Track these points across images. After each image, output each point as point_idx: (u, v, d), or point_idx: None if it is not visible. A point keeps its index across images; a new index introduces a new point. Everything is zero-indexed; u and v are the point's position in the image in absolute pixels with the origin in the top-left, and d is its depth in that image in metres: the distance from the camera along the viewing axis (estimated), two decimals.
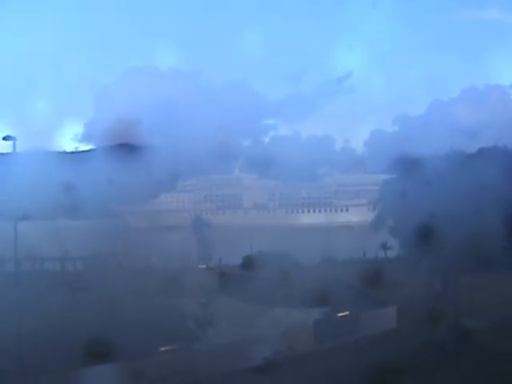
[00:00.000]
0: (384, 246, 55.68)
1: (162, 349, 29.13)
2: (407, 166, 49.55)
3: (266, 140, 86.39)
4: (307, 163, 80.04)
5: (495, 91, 79.99)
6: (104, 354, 27.26)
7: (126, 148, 62.51)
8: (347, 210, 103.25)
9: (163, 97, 68.33)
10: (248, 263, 47.21)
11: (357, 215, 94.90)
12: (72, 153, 69.07)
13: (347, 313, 35.35)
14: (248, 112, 77.18)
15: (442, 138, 54.17)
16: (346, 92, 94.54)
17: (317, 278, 39.44)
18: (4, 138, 32.06)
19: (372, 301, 37.01)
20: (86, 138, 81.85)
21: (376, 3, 76.97)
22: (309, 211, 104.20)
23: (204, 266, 50.17)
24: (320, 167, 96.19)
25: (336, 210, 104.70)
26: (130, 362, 27.35)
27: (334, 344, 32.36)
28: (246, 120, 77.42)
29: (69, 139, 75.46)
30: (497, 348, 29.58)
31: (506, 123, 59.87)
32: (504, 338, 30.41)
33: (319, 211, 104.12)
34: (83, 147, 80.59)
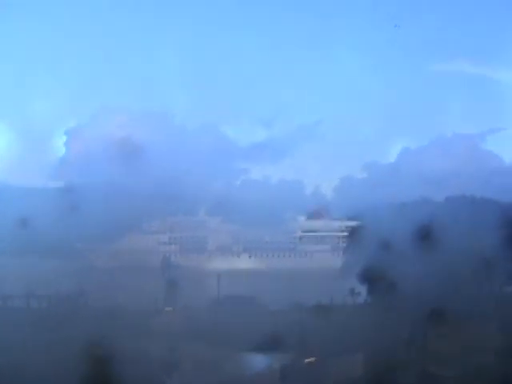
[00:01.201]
0: (352, 292, 55.97)
1: None
2: (375, 212, 50.37)
3: (237, 183, 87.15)
4: (274, 208, 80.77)
5: (463, 140, 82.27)
6: None
7: (94, 186, 62.46)
8: (311, 256, 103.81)
9: (134, 137, 68.73)
10: (215, 306, 47.16)
11: (321, 261, 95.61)
12: (41, 189, 68.60)
13: (314, 359, 35.40)
14: (219, 155, 78.09)
15: (411, 186, 55.29)
16: (318, 138, 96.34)
17: (283, 323, 39.57)
18: None
19: (339, 347, 37.10)
20: (55, 175, 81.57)
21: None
22: (273, 256, 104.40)
23: (170, 309, 49.84)
24: (286, 212, 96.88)
25: (300, 255, 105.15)
26: None
27: None
28: (217, 163, 78.24)
29: (38, 176, 75.39)
30: None
31: (473, 172, 61.54)
32: None
33: (283, 256, 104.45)
34: (53, 184, 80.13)
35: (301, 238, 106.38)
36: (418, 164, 69.87)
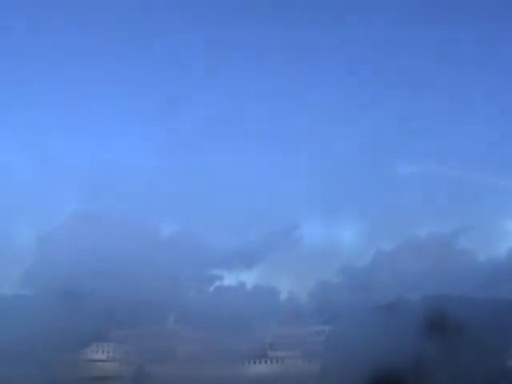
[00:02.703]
0: None
1: None
2: (349, 316, 50.70)
3: (211, 290, 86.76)
4: (247, 314, 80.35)
5: (436, 239, 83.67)
6: None
7: (61, 294, 61.94)
8: (282, 362, 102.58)
9: (107, 243, 68.80)
10: None
11: (292, 367, 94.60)
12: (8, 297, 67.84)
13: None
14: (192, 261, 78.22)
15: (386, 287, 55.87)
16: (293, 243, 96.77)
17: None
18: None
19: None
20: (24, 282, 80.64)
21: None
22: (243, 363, 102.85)
23: None
24: (260, 318, 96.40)
25: (271, 362, 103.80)
26: None
27: None
28: (190, 270, 78.27)
29: (7, 283, 74.27)
30: None
31: (447, 271, 62.45)
32: None
33: (254, 363, 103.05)
34: (20, 292, 79.14)
35: (272, 344, 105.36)
36: (393, 265, 70.74)
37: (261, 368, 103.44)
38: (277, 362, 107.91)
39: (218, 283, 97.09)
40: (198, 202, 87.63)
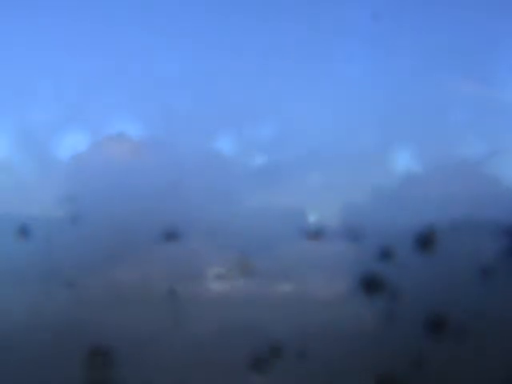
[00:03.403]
0: (354, 316, 56.21)
1: None
2: (377, 235, 51.12)
3: (234, 209, 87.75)
4: (271, 234, 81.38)
5: (468, 163, 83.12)
6: None
7: (82, 216, 63.11)
8: (306, 281, 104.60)
9: (130, 165, 69.38)
10: (217, 334, 47.56)
11: (315, 286, 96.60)
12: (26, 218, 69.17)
13: None
14: (216, 181, 78.70)
15: (415, 210, 55.91)
16: (320, 162, 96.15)
17: (284, 350, 39.90)
18: None
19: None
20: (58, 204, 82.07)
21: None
22: (267, 282, 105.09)
23: (172, 336, 50.16)
24: (284, 239, 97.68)
25: (296, 282, 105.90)
26: None
27: None
28: (214, 189, 78.89)
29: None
30: None
31: (476, 195, 62.31)
32: None
33: (279, 282, 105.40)
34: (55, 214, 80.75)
35: (296, 263, 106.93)
36: (422, 188, 70.57)
37: (285, 288, 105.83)
38: (301, 281, 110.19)
39: (242, 203, 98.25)
40: (223, 120, 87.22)
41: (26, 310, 53.21)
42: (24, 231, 52.39)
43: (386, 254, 51.26)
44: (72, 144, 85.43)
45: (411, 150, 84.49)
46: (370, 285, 57.53)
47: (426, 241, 47.87)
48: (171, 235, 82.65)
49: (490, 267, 45.66)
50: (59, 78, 74.98)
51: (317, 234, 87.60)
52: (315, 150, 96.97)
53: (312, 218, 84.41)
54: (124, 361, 41.37)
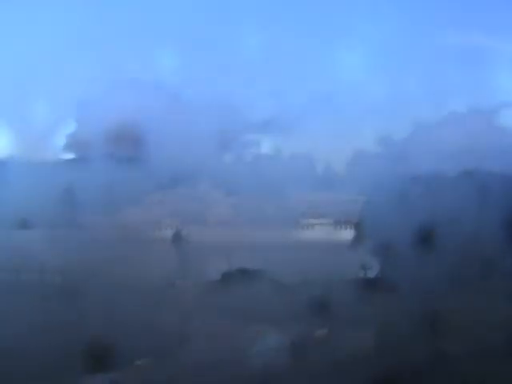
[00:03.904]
0: (364, 266, 56.95)
1: (138, 362, 29.96)
2: (388, 186, 51.27)
3: (246, 156, 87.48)
4: (281, 181, 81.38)
5: (477, 114, 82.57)
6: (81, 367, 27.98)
7: (101, 159, 63.39)
8: (313, 229, 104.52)
9: (143, 110, 69.22)
10: (226, 279, 48.49)
11: (323, 234, 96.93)
12: (40, 162, 69.58)
13: (325, 332, 36.55)
14: (229, 129, 78.30)
15: (424, 160, 56.02)
16: (331, 110, 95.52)
17: (295, 296, 40.70)
18: None
19: (350, 321, 38.18)
20: (65, 149, 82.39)
21: None
22: (275, 229, 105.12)
23: (182, 281, 51.07)
24: (292, 186, 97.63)
25: (303, 228, 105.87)
26: (105, 375, 28.11)
27: (311, 363, 33.46)
28: (227, 136, 78.50)
29: (39, 149, 75.63)
30: (475, 373, 30.71)
31: (487, 146, 62.13)
32: (483, 362, 31.62)
33: (285, 229, 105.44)
34: (61, 158, 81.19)
35: (304, 211, 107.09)
36: (432, 138, 70.18)
37: (292, 235, 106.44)
38: (308, 229, 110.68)
39: (253, 150, 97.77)
40: (234, 67, 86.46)
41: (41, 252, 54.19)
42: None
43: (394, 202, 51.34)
44: None
45: (422, 100, 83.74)
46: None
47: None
48: (178, 180, 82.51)
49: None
50: None
51: (325, 183, 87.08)
52: (326, 98, 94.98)
53: (320, 165, 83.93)
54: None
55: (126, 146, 65.64)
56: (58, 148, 79.46)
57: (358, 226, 70.63)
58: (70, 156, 77.00)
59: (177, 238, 68.01)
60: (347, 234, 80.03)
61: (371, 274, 57.86)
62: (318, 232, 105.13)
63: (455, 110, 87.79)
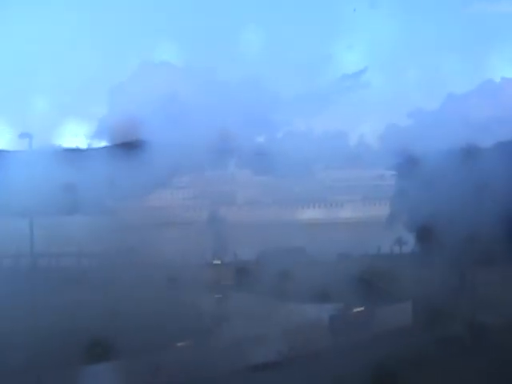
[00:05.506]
0: (399, 242, 57.39)
1: (178, 344, 30.77)
2: (419, 162, 51.33)
3: (279, 135, 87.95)
4: (312, 159, 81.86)
5: (511, 84, 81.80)
6: (119, 349, 28.81)
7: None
8: (342, 206, 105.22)
9: (172, 93, 69.98)
10: (262, 259, 49.32)
11: (352, 211, 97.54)
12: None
13: (362, 308, 37.16)
14: (260, 108, 78.69)
15: (458, 133, 55.83)
16: (362, 86, 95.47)
17: (331, 274, 41.35)
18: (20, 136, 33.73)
19: (387, 296, 38.69)
20: (90, 135, 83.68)
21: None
22: (302, 207, 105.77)
23: (218, 262, 52.05)
24: (323, 163, 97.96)
25: (331, 206, 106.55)
26: (146, 357, 28.94)
27: (349, 339, 34.10)
28: (259, 115, 78.92)
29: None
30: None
31: None
32: None
33: (313, 207, 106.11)
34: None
35: (331, 187, 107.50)
36: (465, 110, 69.73)
37: (320, 212, 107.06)
38: (336, 206, 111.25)
39: (285, 129, 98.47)
40: (265, 47, 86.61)
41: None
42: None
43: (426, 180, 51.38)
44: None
45: (453, 72, 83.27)
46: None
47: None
48: (211, 161, 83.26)
49: None
50: None
51: (356, 159, 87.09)
52: (356, 74, 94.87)
53: (352, 141, 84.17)
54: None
55: (157, 126, 66.48)
56: (85, 135, 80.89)
57: (392, 201, 71.07)
58: (98, 140, 78.29)
59: (216, 218, 69.67)
60: (382, 209, 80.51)
61: (407, 249, 58.33)
62: (353, 208, 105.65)
63: (489, 79, 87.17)
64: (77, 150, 69.52)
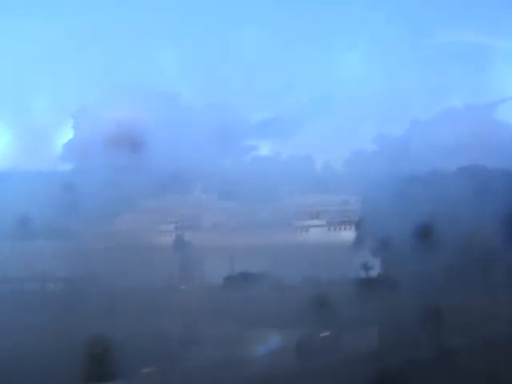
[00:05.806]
0: (365, 266, 57.77)
1: (144, 370, 30.38)
2: (385, 185, 51.94)
3: (246, 160, 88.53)
4: (277, 184, 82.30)
5: (473, 110, 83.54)
6: (85, 375, 28.35)
7: (95, 168, 64.22)
8: (307, 231, 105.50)
9: (139, 117, 70.07)
10: (229, 283, 49.28)
11: (317, 236, 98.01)
12: (44, 173, 70.20)
13: (329, 333, 37.16)
14: (227, 133, 79.13)
15: (422, 158, 56.79)
16: (327, 112, 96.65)
17: (297, 298, 41.36)
18: None
19: (353, 321, 38.80)
20: (59, 158, 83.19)
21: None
22: (267, 232, 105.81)
23: (183, 287, 51.83)
24: (289, 188, 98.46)
25: (296, 231, 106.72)
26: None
27: (316, 364, 34.05)
28: (225, 140, 79.30)
29: (44, 159, 76.26)
30: (479, 367, 31.36)
31: (484, 142, 63.00)
32: (486, 357, 32.27)
33: (279, 232, 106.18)
34: (54, 168, 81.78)
35: (296, 213, 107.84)
36: (429, 135, 71.08)
37: (285, 237, 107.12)
38: (301, 231, 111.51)
39: (252, 154, 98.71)
40: (231, 72, 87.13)
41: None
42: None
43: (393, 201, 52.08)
44: None
45: (417, 98, 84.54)
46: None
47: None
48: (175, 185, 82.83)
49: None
50: None
51: (322, 184, 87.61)
52: (322, 99, 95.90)
53: (319, 166, 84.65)
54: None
55: (123, 151, 66.23)
56: (55, 155, 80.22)
57: (358, 226, 71.54)
58: (67, 163, 77.74)
59: (177, 243, 69.15)
60: (347, 234, 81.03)
61: (372, 273, 58.68)
62: (319, 233, 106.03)
63: (451, 106, 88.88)
64: (40, 173, 68.99)
